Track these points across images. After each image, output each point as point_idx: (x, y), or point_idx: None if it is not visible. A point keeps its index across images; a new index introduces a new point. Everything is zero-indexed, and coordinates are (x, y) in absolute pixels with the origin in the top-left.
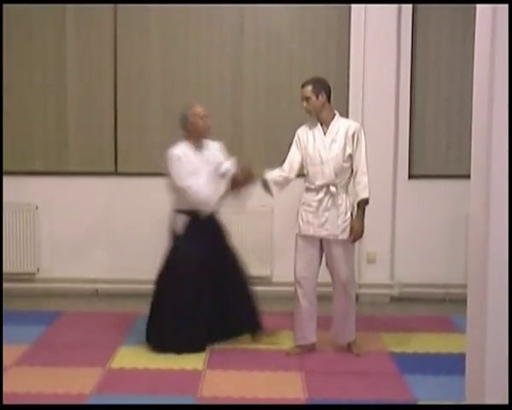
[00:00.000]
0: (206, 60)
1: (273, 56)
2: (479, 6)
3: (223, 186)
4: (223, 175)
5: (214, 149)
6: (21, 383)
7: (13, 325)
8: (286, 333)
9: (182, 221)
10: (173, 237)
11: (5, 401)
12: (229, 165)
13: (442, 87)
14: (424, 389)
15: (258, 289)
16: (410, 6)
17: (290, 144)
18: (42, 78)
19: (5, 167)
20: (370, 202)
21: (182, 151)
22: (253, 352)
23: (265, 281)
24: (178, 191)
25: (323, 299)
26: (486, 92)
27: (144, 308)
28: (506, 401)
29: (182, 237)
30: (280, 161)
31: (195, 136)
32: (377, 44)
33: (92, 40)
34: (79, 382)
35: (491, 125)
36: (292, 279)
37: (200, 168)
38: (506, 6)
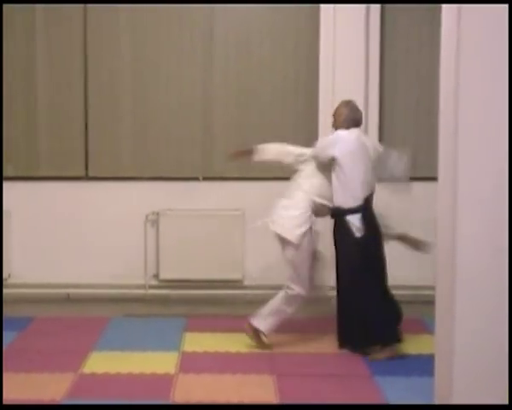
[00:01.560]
0: (176, 65)
1: (243, 60)
2: (444, 6)
3: None
4: None
5: None
6: None
7: None
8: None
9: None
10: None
11: None
12: None
13: (411, 89)
14: (395, 390)
15: (230, 292)
16: (378, 6)
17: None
18: (11, 82)
19: None
20: None
21: None
22: (225, 355)
23: (237, 285)
24: None
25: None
26: (452, 95)
27: (115, 313)
28: (473, 402)
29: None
30: (250, 164)
31: None
32: (346, 46)
33: (62, 45)
34: (51, 387)
35: (458, 128)
36: (265, 282)
37: None
38: (471, 6)
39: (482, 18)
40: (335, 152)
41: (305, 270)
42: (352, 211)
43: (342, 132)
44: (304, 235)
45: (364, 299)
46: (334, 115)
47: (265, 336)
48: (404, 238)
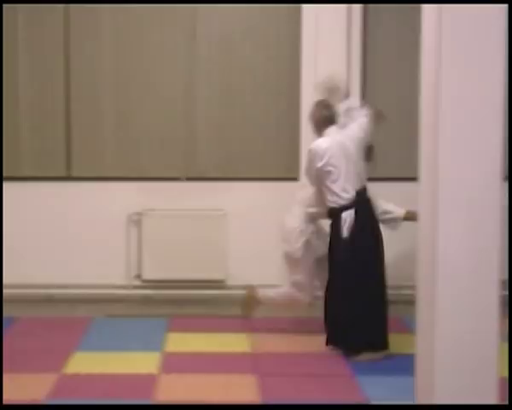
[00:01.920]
0: (159, 64)
1: (226, 60)
2: (425, 6)
3: None
4: None
5: None
6: None
7: None
8: (242, 337)
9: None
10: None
11: None
12: None
13: (393, 90)
14: (376, 389)
15: (213, 292)
16: (360, 6)
17: (243, 147)
18: None
19: None
20: None
21: None
22: (208, 355)
23: (220, 285)
24: None
25: None
26: (433, 95)
27: (98, 313)
28: (455, 401)
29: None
30: (233, 165)
31: None
32: (328, 45)
33: (44, 45)
34: (33, 388)
35: (438, 128)
36: (247, 282)
37: None
38: (452, 6)
39: (463, 17)
40: (318, 165)
41: (307, 279)
42: (345, 208)
43: (316, 145)
44: (301, 248)
45: (350, 303)
46: (310, 119)
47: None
48: (411, 216)
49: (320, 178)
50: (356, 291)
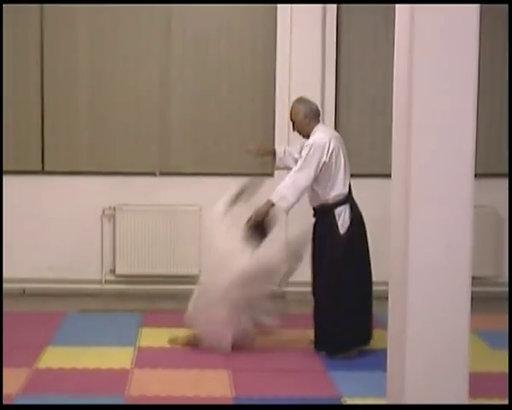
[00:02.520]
0: (133, 60)
1: (201, 57)
2: (398, 6)
3: None
4: None
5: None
6: None
7: None
8: None
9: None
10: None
11: None
12: None
13: (367, 87)
14: (348, 385)
15: (186, 287)
16: (334, 6)
17: (218, 143)
18: None
19: None
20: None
21: None
22: (181, 351)
23: (194, 280)
24: None
25: None
26: (406, 92)
27: (71, 308)
28: (426, 398)
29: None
30: (208, 160)
31: None
32: (303, 45)
33: (18, 38)
34: (5, 383)
35: (411, 125)
36: None
37: None
38: (424, 6)
39: (435, 17)
40: (324, 159)
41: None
42: (340, 203)
43: (320, 139)
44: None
45: (350, 301)
46: (293, 118)
47: None
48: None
49: (323, 173)
50: (355, 289)
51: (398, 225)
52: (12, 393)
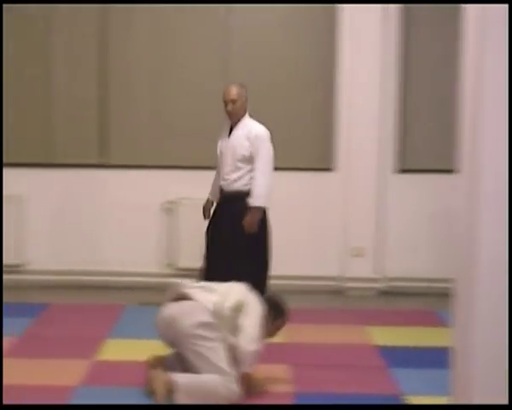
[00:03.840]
0: (194, 54)
1: (260, 52)
2: (466, 6)
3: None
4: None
5: (242, 134)
6: (8, 375)
7: None
8: None
9: None
10: None
11: None
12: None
13: (434, 82)
14: (410, 382)
15: None
16: (396, 6)
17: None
18: (28, 71)
19: None
20: (359, 195)
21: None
22: None
23: None
24: None
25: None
26: (473, 87)
27: (131, 300)
28: (496, 396)
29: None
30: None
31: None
32: (363, 40)
33: (79, 33)
34: (66, 374)
35: (477, 120)
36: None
37: (223, 151)
38: (496, 6)
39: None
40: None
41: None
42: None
43: (262, 130)
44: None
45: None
46: (234, 98)
47: None
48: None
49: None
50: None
51: (465, 221)
52: (72, 384)
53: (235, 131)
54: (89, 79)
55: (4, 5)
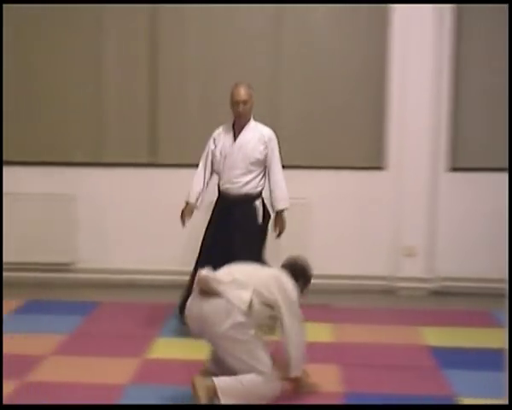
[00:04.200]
0: (244, 54)
1: (311, 51)
2: None
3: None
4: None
5: (254, 137)
6: (59, 373)
7: (51, 314)
8: (326, 326)
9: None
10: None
11: (43, 391)
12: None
13: (486, 80)
14: (464, 384)
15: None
16: (450, 6)
17: (327, 137)
18: (80, 71)
19: (43, 158)
20: (411, 194)
21: (218, 131)
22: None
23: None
24: None
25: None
26: None
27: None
28: None
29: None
30: (317, 154)
31: (234, 118)
32: (417, 36)
33: (130, 32)
34: (116, 372)
35: None
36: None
37: (227, 153)
38: None
39: None
40: None
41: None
42: (260, 194)
43: (271, 132)
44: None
45: None
46: (246, 99)
47: None
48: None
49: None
50: None
51: None
52: (122, 383)
53: (243, 134)
54: (141, 77)
55: (55, 6)
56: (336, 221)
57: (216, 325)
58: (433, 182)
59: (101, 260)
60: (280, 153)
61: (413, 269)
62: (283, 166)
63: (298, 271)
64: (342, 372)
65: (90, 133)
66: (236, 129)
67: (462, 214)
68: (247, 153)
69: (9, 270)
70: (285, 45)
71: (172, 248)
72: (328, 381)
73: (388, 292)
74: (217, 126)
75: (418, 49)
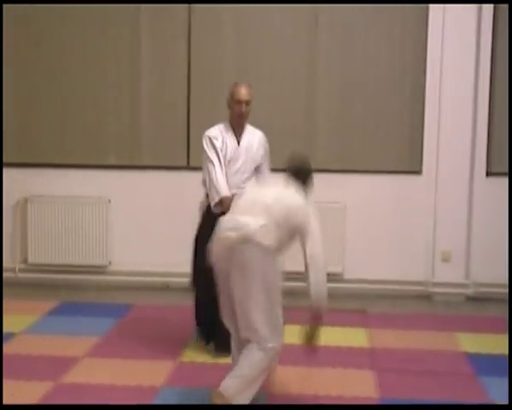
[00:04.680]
0: (279, 55)
1: (347, 51)
2: None
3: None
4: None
5: (255, 139)
6: (93, 375)
7: (85, 316)
8: (361, 331)
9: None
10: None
11: (77, 392)
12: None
13: None
14: (500, 391)
15: (330, 286)
16: (491, 6)
17: (364, 140)
18: (115, 73)
19: (77, 161)
20: (447, 199)
21: (216, 132)
22: (324, 348)
23: (337, 278)
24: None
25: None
26: None
27: None
28: None
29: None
30: (353, 157)
31: (231, 119)
32: (455, 39)
33: (166, 34)
34: (150, 374)
35: None
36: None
37: (233, 156)
38: None
39: None
40: None
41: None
42: None
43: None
44: None
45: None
46: (249, 99)
47: None
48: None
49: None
50: None
51: None
52: (157, 385)
53: (246, 136)
54: (175, 80)
55: (88, 6)
56: (372, 226)
57: (246, 265)
58: (470, 187)
59: (135, 263)
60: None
61: (449, 274)
62: (319, 170)
63: (304, 175)
64: (377, 378)
65: (125, 136)
66: (237, 131)
67: (499, 220)
68: (253, 156)
69: (44, 272)
70: (321, 47)
71: None
72: (363, 386)
73: (424, 297)
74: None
75: (455, 52)
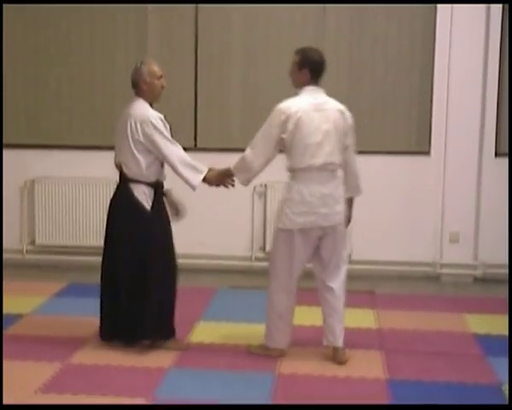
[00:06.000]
0: (286, 38)
1: (356, 34)
2: None
3: None
4: None
5: None
6: (101, 356)
7: (93, 297)
8: (368, 312)
9: (145, 194)
10: (138, 214)
11: (85, 373)
12: None
13: None
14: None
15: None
16: (499, 6)
17: (373, 121)
18: (123, 56)
19: (85, 142)
20: (455, 180)
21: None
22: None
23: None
24: (148, 158)
25: None
26: None
27: (222, 284)
28: None
29: (150, 214)
30: (362, 138)
31: (150, 97)
32: (464, 24)
33: (173, 18)
34: (158, 355)
35: None
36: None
37: None
38: None
39: None
40: None
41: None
42: None
43: None
44: None
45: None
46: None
47: None
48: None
49: None
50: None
51: None
52: (165, 366)
53: None
54: (182, 63)
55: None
56: (380, 207)
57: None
58: (478, 167)
59: None
60: None
61: (457, 255)
62: None
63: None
64: (385, 359)
65: None
66: None
67: (507, 200)
68: None
69: (52, 253)
70: (329, 30)
71: (214, 232)
72: (371, 367)
73: (432, 278)
74: (256, 111)
75: (465, 31)
